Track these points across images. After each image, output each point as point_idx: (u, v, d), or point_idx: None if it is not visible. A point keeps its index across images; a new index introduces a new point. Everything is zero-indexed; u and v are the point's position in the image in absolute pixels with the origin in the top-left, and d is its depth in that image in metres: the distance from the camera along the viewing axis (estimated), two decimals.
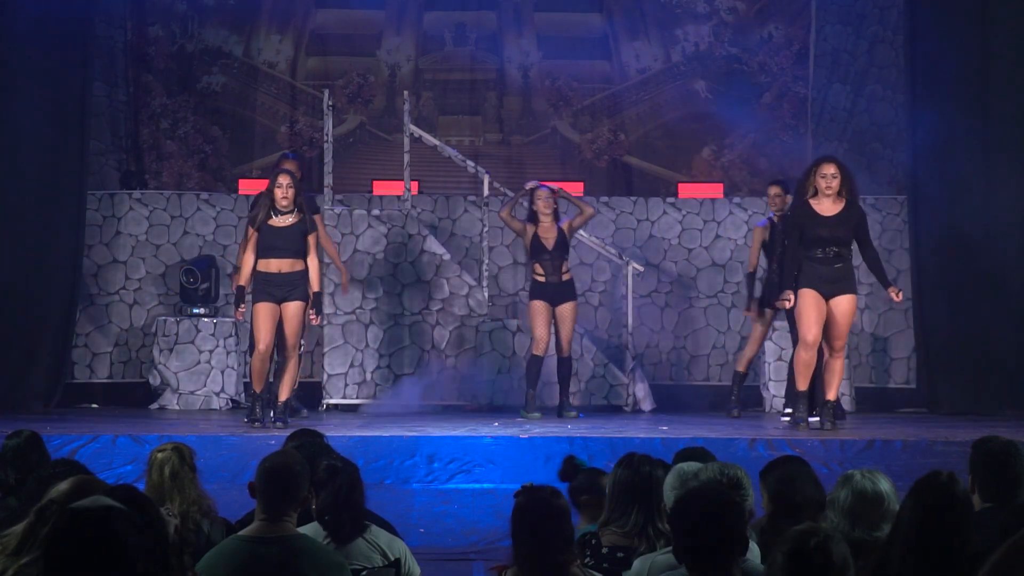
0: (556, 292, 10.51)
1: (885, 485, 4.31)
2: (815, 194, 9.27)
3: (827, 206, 9.23)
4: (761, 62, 13.03)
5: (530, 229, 10.56)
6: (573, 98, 13.20)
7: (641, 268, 11.70)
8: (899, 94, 12.23)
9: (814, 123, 12.80)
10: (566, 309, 10.52)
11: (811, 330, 9.13)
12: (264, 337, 9.41)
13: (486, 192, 11.38)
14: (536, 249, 10.56)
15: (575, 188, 12.43)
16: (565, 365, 10.57)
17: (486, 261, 11.44)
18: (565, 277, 10.56)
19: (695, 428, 9.72)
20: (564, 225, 10.60)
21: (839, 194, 9.24)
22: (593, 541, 4.86)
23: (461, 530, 7.59)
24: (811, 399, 9.50)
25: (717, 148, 13.08)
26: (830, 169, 9.27)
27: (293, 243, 9.46)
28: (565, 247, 10.60)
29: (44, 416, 10.43)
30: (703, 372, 12.15)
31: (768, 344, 11.49)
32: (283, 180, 9.54)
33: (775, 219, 10.70)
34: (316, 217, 10.08)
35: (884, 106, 12.57)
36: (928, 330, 11.16)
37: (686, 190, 12.56)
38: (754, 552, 4.41)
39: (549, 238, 10.53)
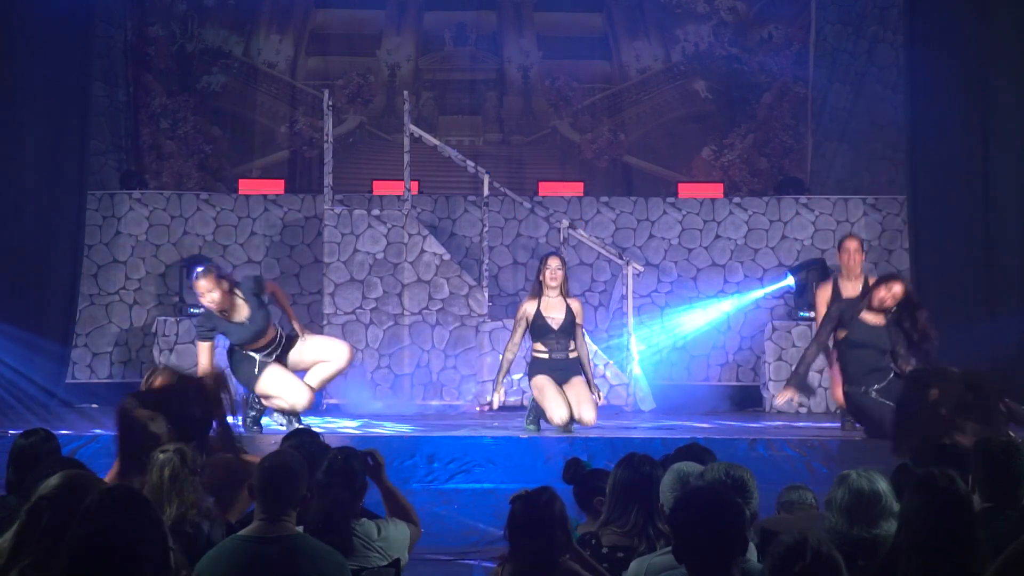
0: (563, 369, 9.21)
1: (882, 484, 4.33)
2: None
3: None
4: (761, 62, 13.03)
5: (530, 307, 9.22)
6: (573, 98, 13.20)
7: (641, 268, 11.69)
8: (899, 94, 12.23)
9: (814, 123, 12.80)
10: (578, 383, 9.14)
11: None
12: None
13: (486, 192, 11.38)
14: (540, 331, 9.19)
15: (575, 188, 12.44)
16: None
17: (486, 261, 11.43)
18: (572, 355, 9.21)
19: (695, 428, 9.71)
20: (575, 304, 9.29)
21: None
22: (593, 541, 4.86)
23: (461, 530, 7.58)
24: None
25: (717, 148, 13.08)
26: None
27: (258, 331, 8.92)
28: (572, 327, 9.18)
29: (44, 416, 10.42)
30: (703, 372, 12.14)
31: (768, 344, 11.47)
32: (200, 287, 8.72)
33: (839, 279, 9.53)
34: (268, 284, 9.21)
35: (884, 106, 12.58)
36: None
37: (686, 190, 12.55)
38: (753, 552, 4.41)
39: (556, 318, 9.19)
